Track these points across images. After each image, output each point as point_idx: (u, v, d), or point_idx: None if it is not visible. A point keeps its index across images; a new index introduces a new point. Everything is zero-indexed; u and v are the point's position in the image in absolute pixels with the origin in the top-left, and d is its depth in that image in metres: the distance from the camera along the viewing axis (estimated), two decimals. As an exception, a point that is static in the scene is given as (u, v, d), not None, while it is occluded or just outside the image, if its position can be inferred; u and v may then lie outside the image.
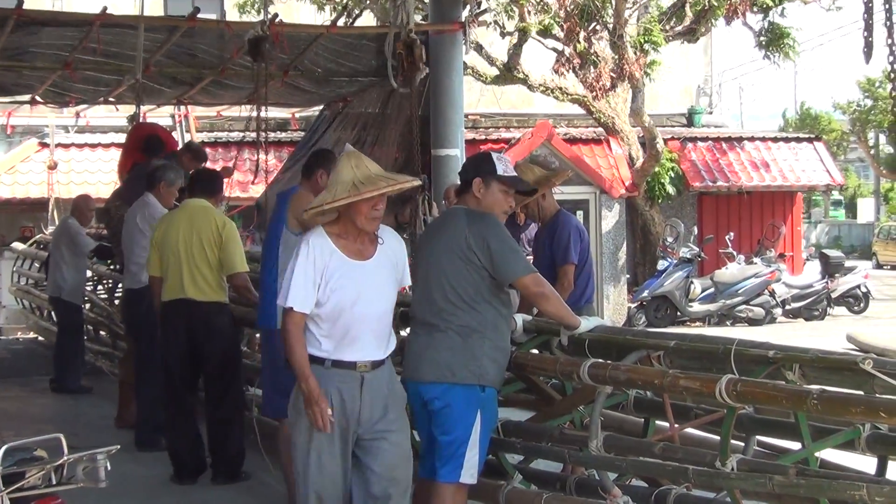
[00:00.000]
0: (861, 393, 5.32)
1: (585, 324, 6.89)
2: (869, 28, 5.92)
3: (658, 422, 7.12)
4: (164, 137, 14.55)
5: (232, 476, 9.69)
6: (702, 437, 7.17)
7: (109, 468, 4.42)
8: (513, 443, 7.22)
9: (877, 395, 5.16)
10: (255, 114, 13.36)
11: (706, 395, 5.73)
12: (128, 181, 14.05)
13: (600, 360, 6.51)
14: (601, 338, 6.82)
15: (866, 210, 63.63)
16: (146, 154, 13.84)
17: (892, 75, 5.65)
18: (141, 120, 16.08)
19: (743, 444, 6.43)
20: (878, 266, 46.32)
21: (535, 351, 7.37)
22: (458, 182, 7.24)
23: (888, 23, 5.75)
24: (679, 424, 6.75)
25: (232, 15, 28.03)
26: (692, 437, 7.19)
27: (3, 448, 4.34)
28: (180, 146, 16.11)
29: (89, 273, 16.71)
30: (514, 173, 6.94)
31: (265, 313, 8.37)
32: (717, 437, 6.26)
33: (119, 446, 4.57)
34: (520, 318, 7.20)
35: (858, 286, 27.16)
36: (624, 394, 6.99)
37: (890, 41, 5.72)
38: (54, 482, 4.42)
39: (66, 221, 15.44)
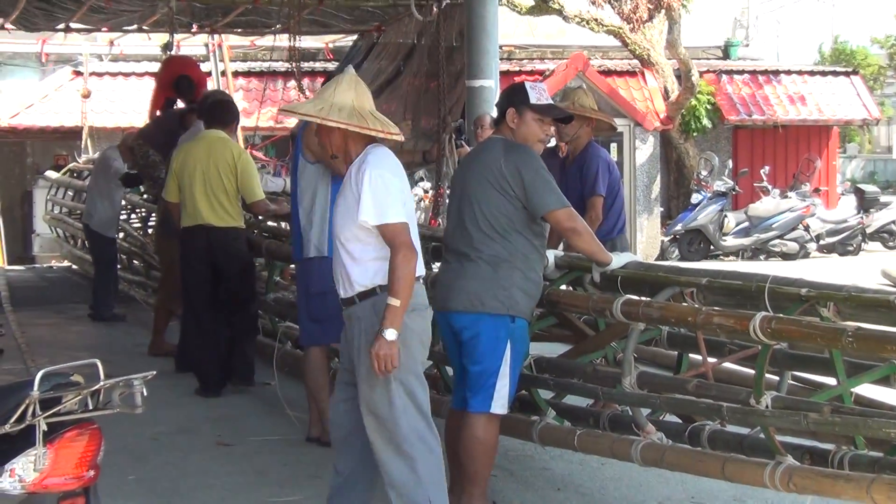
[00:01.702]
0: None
1: (617, 260, 6.86)
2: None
3: (692, 355, 7.11)
4: (195, 78, 14.51)
5: (246, 380, 10.30)
6: (736, 371, 7.16)
7: (146, 394, 4.45)
8: (545, 379, 7.21)
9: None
10: (287, 43, 13.33)
11: (740, 332, 5.70)
12: (154, 123, 14.11)
13: (633, 297, 6.49)
14: (633, 274, 6.78)
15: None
16: (177, 94, 13.91)
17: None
18: (174, 49, 16.05)
19: (777, 378, 6.41)
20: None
21: (566, 287, 7.37)
22: (492, 113, 7.22)
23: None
24: (712, 360, 6.73)
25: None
26: (726, 370, 7.19)
27: (40, 373, 4.37)
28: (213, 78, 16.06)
29: (123, 202, 16.76)
30: (549, 101, 6.87)
31: (296, 245, 8.49)
32: (751, 371, 6.23)
33: (155, 372, 4.59)
34: (551, 255, 7.16)
35: (893, 221, 26.98)
36: (657, 329, 6.97)
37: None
38: (90, 407, 4.45)
39: (105, 151, 15.49)
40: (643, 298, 6.46)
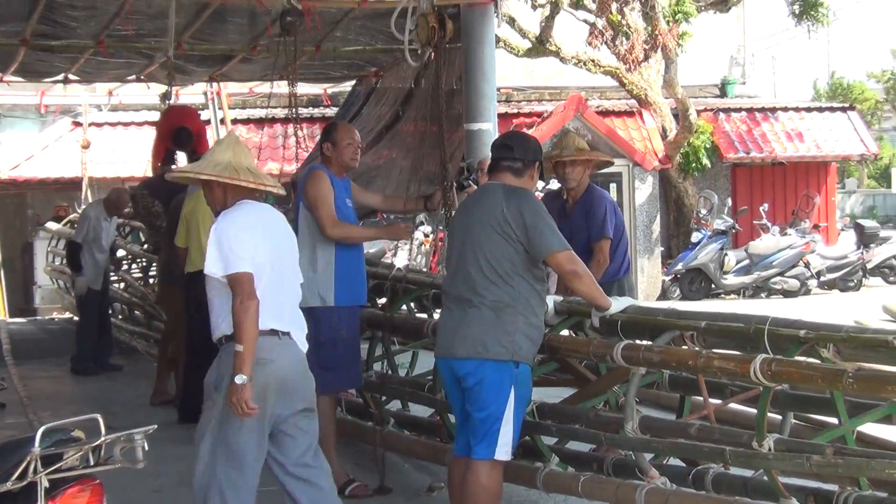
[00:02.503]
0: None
1: (616, 304, 6.88)
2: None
3: (694, 397, 7.12)
4: (193, 129, 14.61)
5: None
6: (738, 411, 7.17)
7: (147, 448, 4.46)
8: (548, 425, 7.22)
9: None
10: (285, 90, 13.41)
11: (741, 375, 5.71)
12: (159, 175, 14.25)
13: (633, 342, 6.51)
14: (633, 318, 6.80)
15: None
16: (176, 145, 14.01)
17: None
18: (173, 98, 16.14)
19: (780, 417, 6.41)
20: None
21: (567, 332, 7.38)
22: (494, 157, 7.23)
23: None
24: (714, 402, 6.73)
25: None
26: (729, 410, 7.20)
27: (42, 429, 4.38)
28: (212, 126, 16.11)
29: (122, 252, 16.84)
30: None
31: (303, 293, 8.51)
32: (754, 411, 6.24)
33: (156, 426, 4.61)
34: (551, 300, 7.19)
35: (894, 256, 27.00)
36: (659, 372, 6.98)
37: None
38: (92, 463, 4.46)
39: (88, 206, 15.70)
40: (644, 343, 6.48)
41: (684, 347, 6.41)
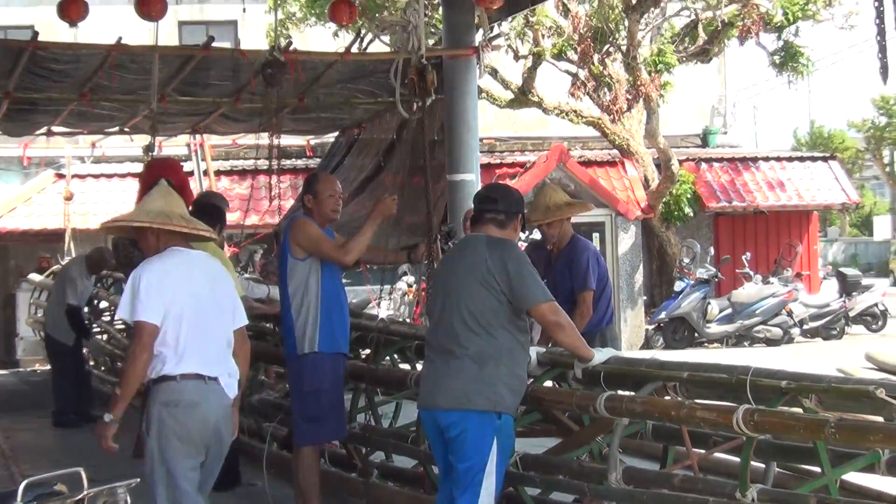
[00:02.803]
0: (880, 419, 5.32)
1: (599, 356, 6.90)
2: (883, 50, 5.93)
3: (678, 446, 7.13)
4: (177, 182, 14.59)
5: (232, 482, 10.23)
6: (722, 461, 7.17)
7: (129, 501, 4.46)
8: (531, 476, 7.21)
9: (894, 422, 5.16)
10: (268, 141, 13.44)
11: (724, 425, 5.73)
12: None
13: (616, 393, 6.52)
14: (616, 369, 6.82)
15: (882, 228, 63.48)
16: None
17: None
18: (156, 150, 16.12)
19: (763, 466, 6.42)
20: (896, 284, 46.22)
21: (550, 383, 7.40)
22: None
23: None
24: (698, 452, 6.74)
25: (246, 43, 28.14)
26: (712, 460, 7.21)
27: (23, 483, 4.38)
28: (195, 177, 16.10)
29: (105, 304, 16.81)
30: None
31: (289, 343, 8.57)
32: (737, 460, 6.25)
33: (138, 479, 4.61)
34: (534, 352, 7.21)
35: (876, 304, 27.06)
36: (642, 422, 6.99)
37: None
38: (75, 516, 4.45)
39: (70, 263, 15.72)
40: (627, 393, 6.49)
41: (667, 398, 6.42)
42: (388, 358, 9.73)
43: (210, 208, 10.94)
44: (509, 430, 6.74)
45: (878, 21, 5.78)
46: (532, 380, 7.14)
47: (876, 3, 5.77)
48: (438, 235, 11.84)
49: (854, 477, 6.33)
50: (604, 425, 6.85)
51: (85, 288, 15.12)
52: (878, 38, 5.79)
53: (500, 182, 7.37)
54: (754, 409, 5.56)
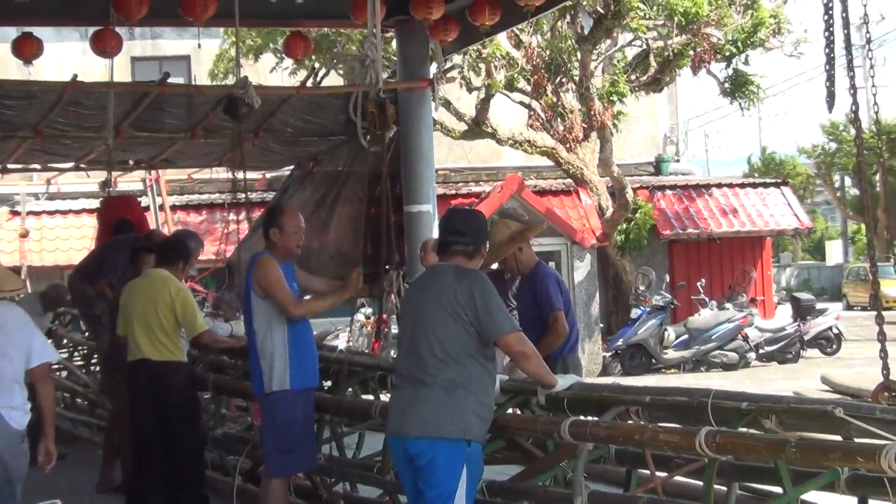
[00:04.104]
0: (839, 438, 5.42)
1: (562, 382, 6.99)
2: (831, 79, 6.07)
3: (641, 470, 7.20)
4: (135, 219, 14.63)
5: None
6: (685, 483, 7.25)
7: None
8: (496, 503, 7.28)
9: (854, 441, 5.26)
10: (228, 175, 13.48)
11: (686, 447, 5.81)
12: (90, 256, 14.25)
13: (580, 418, 6.59)
14: (579, 395, 6.91)
15: (835, 252, 64.02)
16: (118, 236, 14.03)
17: (857, 123, 5.78)
18: (112, 186, 16.14)
19: (725, 488, 6.51)
20: (849, 307, 46.56)
21: (515, 411, 7.47)
22: (436, 238, 7.33)
23: (850, 73, 5.88)
24: (661, 475, 6.82)
25: (201, 78, 28.18)
26: (675, 483, 7.28)
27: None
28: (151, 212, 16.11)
29: (65, 341, 16.78)
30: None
31: (256, 381, 8.60)
32: (700, 483, 6.33)
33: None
34: (497, 380, 7.27)
35: (830, 328, 27.31)
36: (605, 447, 7.06)
37: (852, 90, 5.85)
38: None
39: (23, 300, 15.66)
40: (590, 418, 6.57)
41: (630, 422, 6.51)
42: (350, 389, 9.79)
43: (173, 244, 11.03)
44: (478, 458, 6.79)
45: (827, 50, 5.91)
46: (496, 408, 7.20)
47: (826, 34, 5.91)
48: (400, 272, 11.93)
49: (815, 496, 6.42)
50: (567, 451, 6.92)
51: (38, 324, 15.05)
52: (827, 66, 5.92)
53: (463, 208, 7.43)
54: (716, 431, 5.66)
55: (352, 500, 9.28)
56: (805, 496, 6.25)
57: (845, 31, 5.99)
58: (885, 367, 6.16)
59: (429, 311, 6.80)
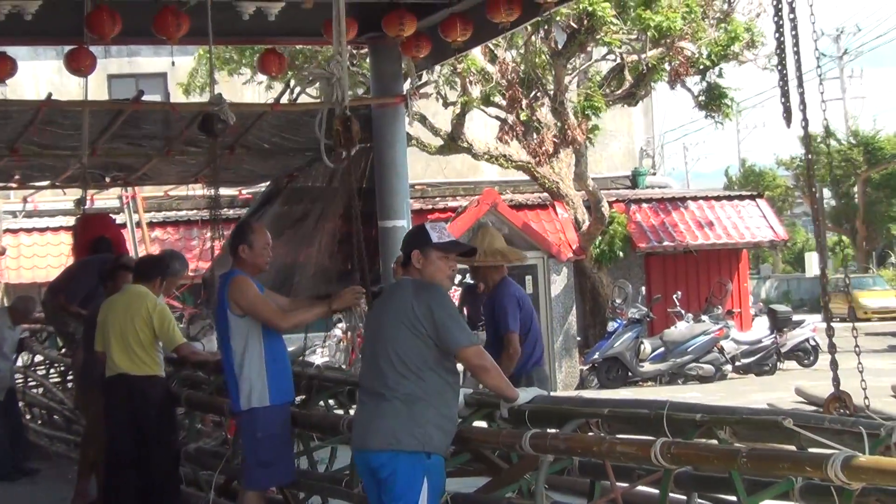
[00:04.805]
0: (792, 448, 5.53)
1: (524, 395, 7.07)
2: (785, 94, 6.19)
3: (605, 481, 7.31)
4: (111, 237, 14.71)
5: None
6: (646, 493, 7.36)
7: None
8: (462, 515, 7.38)
9: (802, 451, 5.38)
10: (203, 191, 13.57)
11: (643, 458, 5.92)
12: (65, 273, 14.34)
13: (540, 431, 6.69)
14: (540, 408, 7.01)
15: (815, 264, 64.14)
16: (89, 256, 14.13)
17: (806, 139, 5.91)
18: (88, 204, 16.20)
19: (685, 498, 6.62)
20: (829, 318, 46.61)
21: (483, 424, 7.58)
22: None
23: (799, 88, 6.01)
24: (622, 486, 6.92)
25: (176, 95, 28.26)
26: (639, 493, 7.38)
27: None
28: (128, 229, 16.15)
29: (40, 357, 16.85)
30: (450, 238, 7.14)
31: (234, 398, 8.70)
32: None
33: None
34: (461, 393, 7.37)
35: (807, 340, 27.49)
36: (569, 459, 7.17)
37: (802, 106, 5.98)
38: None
39: None
40: (550, 431, 6.67)
41: (591, 434, 6.61)
42: (321, 403, 9.88)
43: (151, 261, 11.29)
44: (439, 470, 6.86)
45: (779, 67, 6.04)
46: (461, 420, 7.30)
47: (777, 51, 6.04)
48: (374, 290, 12.01)
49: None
50: (530, 463, 7.01)
51: (3, 336, 15.05)
52: (781, 83, 6.04)
53: (423, 223, 7.56)
54: (671, 442, 5.76)
55: (322, 514, 9.36)
56: (762, 505, 6.37)
57: (796, 47, 6.12)
58: (836, 379, 6.28)
59: (388, 324, 6.88)
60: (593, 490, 7.32)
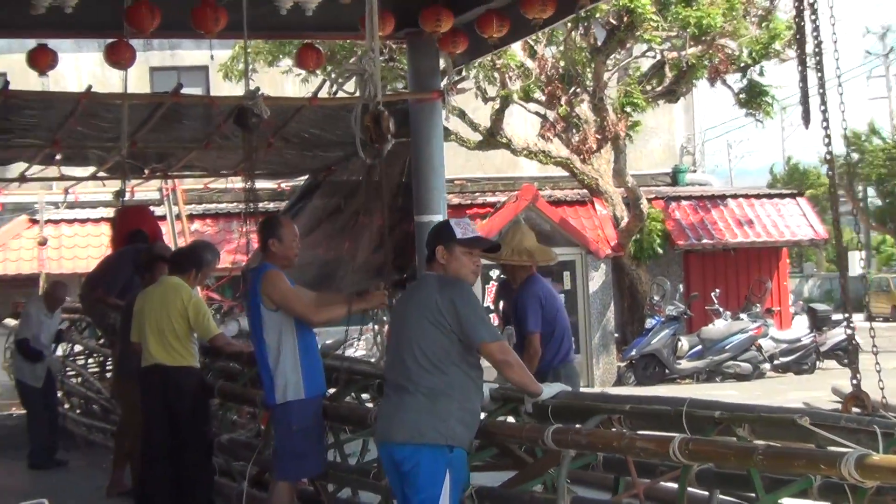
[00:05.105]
0: (811, 446, 5.56)
1: (547, 391, 7.14)
2: (805, 95, 6.22)
3: (629, 477, 7.35)
4: (148, 231, 14.82)
5: None
6: (670, 489, 7.40)
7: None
8: (486, 509, 7.45)
9: (817, 449, 5.41)
10: (242, 184, 13.61)
11: (662, 454, 5.96)
12: (104, 264, 14.46)
13: (562, 426, 6.74)
14: (563, 403, 7.07)
15: (858, 263, 63.72)
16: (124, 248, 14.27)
17: (827, 140, 5.92)
18: (127, 196, 16.32)
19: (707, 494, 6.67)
20: (871, 318, 46.36)
21: (509, 419, 7.64)
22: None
23: (820, 89, 6.03)
24: (644, 481, 6.97)
25: (217, 87, 28.37)
26: (662, 489, 7.43)
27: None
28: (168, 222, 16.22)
29: (79, 347, 17.00)
30: (474, 234, 7.20)
31: (269, 392, 8.78)
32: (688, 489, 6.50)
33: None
34: (486, 388, 7.43)
35: (847, 339, 27.25)
36: (593, 455, 7.22)
37: (823, 108, 6.00)
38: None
39: (28, 301, 15.93)
40: (573, 426, 6.72)
41: (614, 430, 6.67)
42: (350, 396, 9.96)
43: (186, 253, 11.40)
44: (462, 464, 6.94)
45: (800, 68, 6.06)
46: (486, 415, 7.37)
47: (797, 51, 6.06)
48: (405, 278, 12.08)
49: (790, 502, 6.57)
50: (554, 458, 7.05)
51: (45, 326, 15.21)
52: (801, 83, 6.06)
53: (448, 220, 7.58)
54: (689, 439, 5.80)
55: (352, 506, 9.44)
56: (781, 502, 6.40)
57: (817, 49, 6.15)
58: (855, 377, 6.29)
59: (412, 319, 6.96)
60: (617, 485, 7.37)
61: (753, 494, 6.62)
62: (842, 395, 19.70)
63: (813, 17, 6.02)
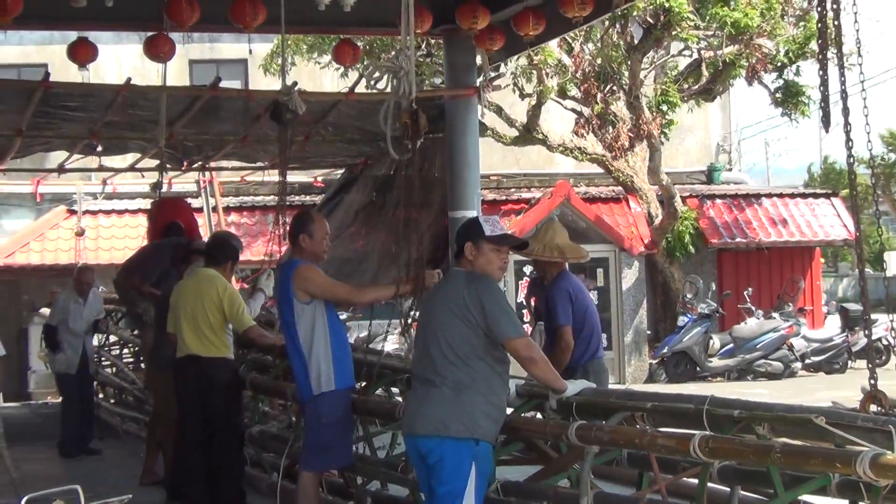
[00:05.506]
0: (829, 445, 5.66)
1: (572, 387, 7.23)
2: (825, 99, 6.29)
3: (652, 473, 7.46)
4: (185, 223, 14.94)
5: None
6: (692, 485, 7.50)
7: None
8: (510, 502, 7.55)
9: (833, 447, 5.51)
10: (276, 178, 13.70)
11: (682, 451, 6.07)
12: (140, 254, 14.61)
13: (586, 422, 6.84)
14: (587, 400, 7.18)
15: (893, 263, 63.34)
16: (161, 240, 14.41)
17: (848, 143, 6.00)
18: (164, 187, 16.45)
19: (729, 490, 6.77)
20: (904, 318, 46.10)
21: (538, 415, 7.76)
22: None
23: (843, 93, 6.10)
24: (666, 477, 7.07)
25: (256, 80, 28.52)
26: (684, 484, 7.53)
27: (24, 499, 4.69)
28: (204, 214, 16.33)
29: (114, 338, 17.17)
30: (503, 231, 7.31)
31: (302, 384, 8.93)
32: (711, 486, 6.61)
33: (130, 496, 4.91)
34: (512, 384, 7.54)
35: (880, 339, 27.23)
36: (617, 450, 7.34)
37: (845, 111, 6.07)
38: (72, 530, 4.78)
39: (60, 291, 16.09)
40: (596, 423, 6.83)
41: (637, 427, 6.77)
42: (381, 390, 10.08)
43: (222, 245, 11.42)
44: (487, 457, 7.04)
45: (821, 73, 6.14)
46: (512, 410, 7.48)
47: (819, 56, 6.14)
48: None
49: (809, 499, 6.66)
50: (578, 453, 7.15)
51: (75, 313, 15.27)
52: (821, 88, 6.14)
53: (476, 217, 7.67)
54: (710, 436, 5.90)
55: (380, 499, 9.54)
56: (801, 498, 6.50)
57: (837, 51, 6.23)
58: (873, 377, 6.38)
59: (440, 313, 7.08)
60: (641, 481, 7.47)
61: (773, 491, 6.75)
62: (871, 395, 19.73)
63: (836, 20, 6.10)
